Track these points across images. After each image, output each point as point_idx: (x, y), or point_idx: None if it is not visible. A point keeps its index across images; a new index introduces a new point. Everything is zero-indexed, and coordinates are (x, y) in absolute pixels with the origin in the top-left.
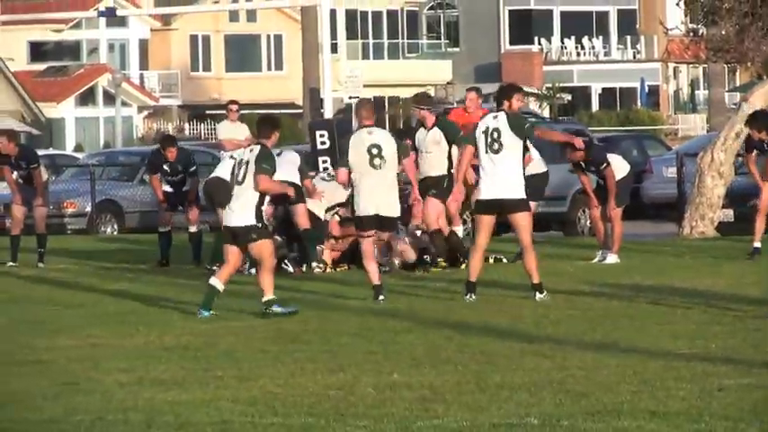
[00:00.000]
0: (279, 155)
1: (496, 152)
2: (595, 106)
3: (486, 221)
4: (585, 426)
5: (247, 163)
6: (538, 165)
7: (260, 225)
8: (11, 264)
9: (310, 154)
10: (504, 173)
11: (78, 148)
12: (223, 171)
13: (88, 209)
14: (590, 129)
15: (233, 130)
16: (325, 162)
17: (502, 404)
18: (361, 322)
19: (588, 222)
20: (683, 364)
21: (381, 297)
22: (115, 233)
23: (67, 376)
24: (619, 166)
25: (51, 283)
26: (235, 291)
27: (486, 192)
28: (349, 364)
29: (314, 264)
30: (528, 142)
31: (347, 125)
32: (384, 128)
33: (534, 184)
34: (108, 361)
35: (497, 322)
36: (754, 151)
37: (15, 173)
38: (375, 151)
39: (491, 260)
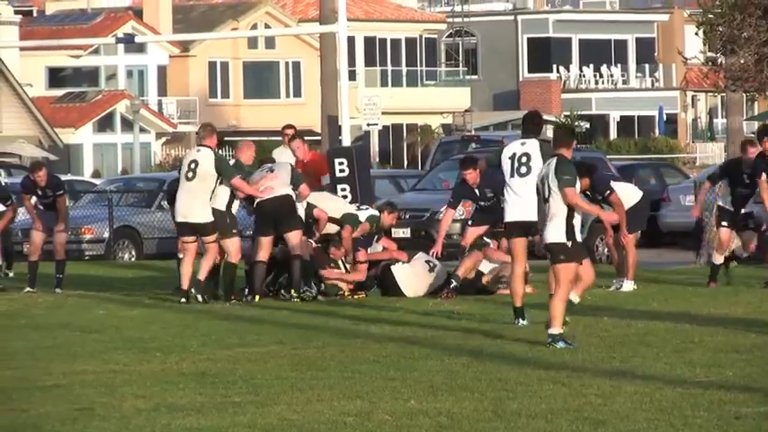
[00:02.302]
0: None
1: (523, 175)
2: (614, 134)
3: (520, 245)
4: None
5: (547, 176)
6: (633, 194)
7: (569, 243)
8: (29, 290)
9: (329, 181)
10: (531, 196)
11: (96, 174)
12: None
13: (106, 235)
14: (608, 157)
15: (284, 154)
16: (344, 190)
17: (519, 431)
18: (378, 349)
19: (605, 250)
20: (700, 392)
21: (182, 300)
22: (133, 259)
23: (84, 401)
24: (630, 193)
25: (69, 308)
26: (254, 317)
27: (513, 214)
28: (366, 391)
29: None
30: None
31: (366, 152)
32: (403, 156)
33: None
34: (125, 386)
35: (514, 349)
36: (763, 174)
37: (35, 198)
38: (192, 166)
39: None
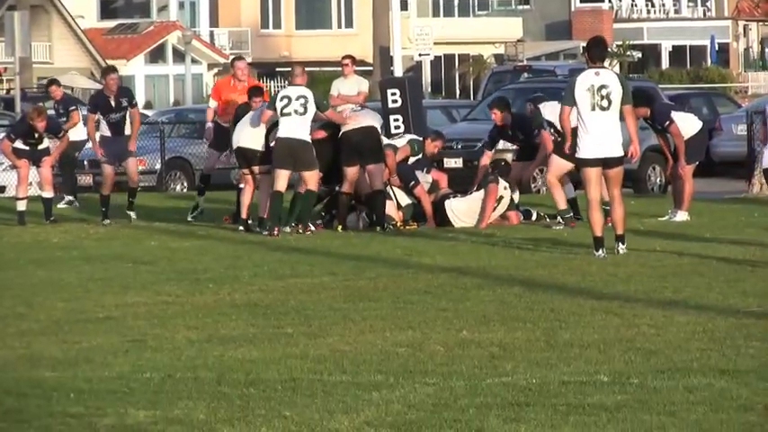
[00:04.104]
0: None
1: (605, 109)
2: (665, 64)
3: (594, 174)
4: (655, 383)
5: None
6: (693, 125)
7: None
8: (108, 221)
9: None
10: (610, 131)
11: (148, 106)
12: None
13: (158, 166)
14: (660, 86)
15: (340, 86)
16: (396, 120)
17: (571, 361)
18: (430, 280)
19: (658, 180)
20: (753, 322)
21: (240, 229)
22: (184, 190)
23: (136, 333)
24: (690, 124)
25: (121, 240)
26: (306, 248)
27: (590, 151)
28: (418, 322)
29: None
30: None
31: (418, 83)
32: (455, 87)
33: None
34: (177, 318)
35: (567, 280)
36: None
37: (99, 117)
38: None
39: (534, 215)
